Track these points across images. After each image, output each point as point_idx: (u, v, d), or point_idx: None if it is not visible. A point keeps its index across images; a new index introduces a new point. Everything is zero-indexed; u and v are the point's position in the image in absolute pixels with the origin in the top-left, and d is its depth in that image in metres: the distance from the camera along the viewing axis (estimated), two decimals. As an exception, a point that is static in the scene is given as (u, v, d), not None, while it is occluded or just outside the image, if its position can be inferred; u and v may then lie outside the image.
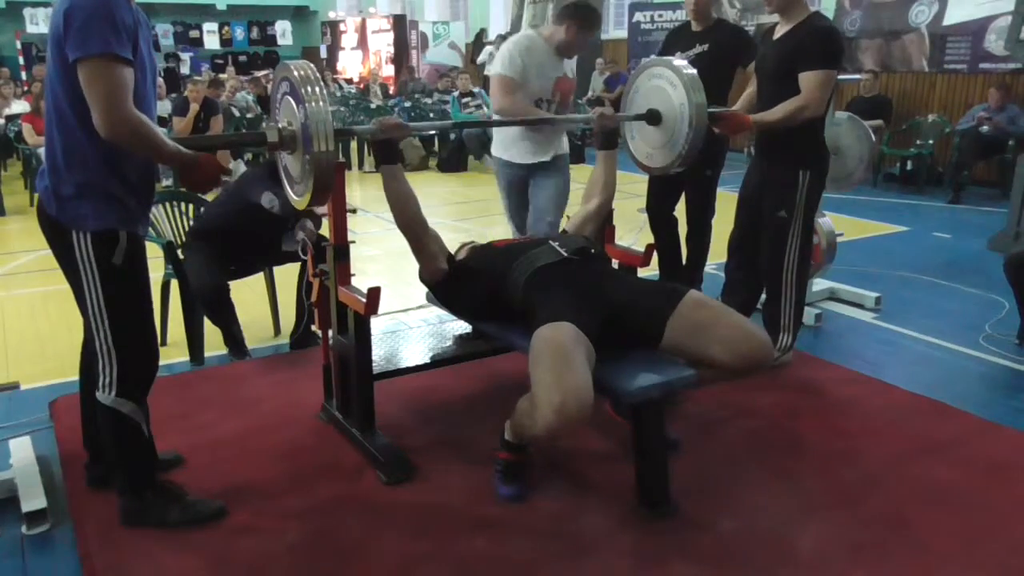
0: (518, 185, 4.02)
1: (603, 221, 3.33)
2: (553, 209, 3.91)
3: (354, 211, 3.71)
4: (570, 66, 3.99)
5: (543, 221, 3.88)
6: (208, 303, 3.70)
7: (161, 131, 2.23)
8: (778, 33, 3.46)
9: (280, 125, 2.55)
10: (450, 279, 2.94)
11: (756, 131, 3.49)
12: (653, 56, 3.58)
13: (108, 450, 2.53)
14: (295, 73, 2.44)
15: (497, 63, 3.87)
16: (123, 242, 2.28)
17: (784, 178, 3.48)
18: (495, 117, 3.94)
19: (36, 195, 2.35)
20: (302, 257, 3.16)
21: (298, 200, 2.66)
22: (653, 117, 3.24)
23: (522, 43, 3.84)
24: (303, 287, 3.80)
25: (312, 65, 2.52)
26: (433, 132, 10.84)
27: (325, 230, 3.06)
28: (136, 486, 2.51)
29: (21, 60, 16.90)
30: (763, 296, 3.81)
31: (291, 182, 2.70)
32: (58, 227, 2.27)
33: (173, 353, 3.92)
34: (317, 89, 2.40)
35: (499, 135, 4.04)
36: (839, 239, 4.58)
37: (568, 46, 3.84)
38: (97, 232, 2.25)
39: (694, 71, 3.18)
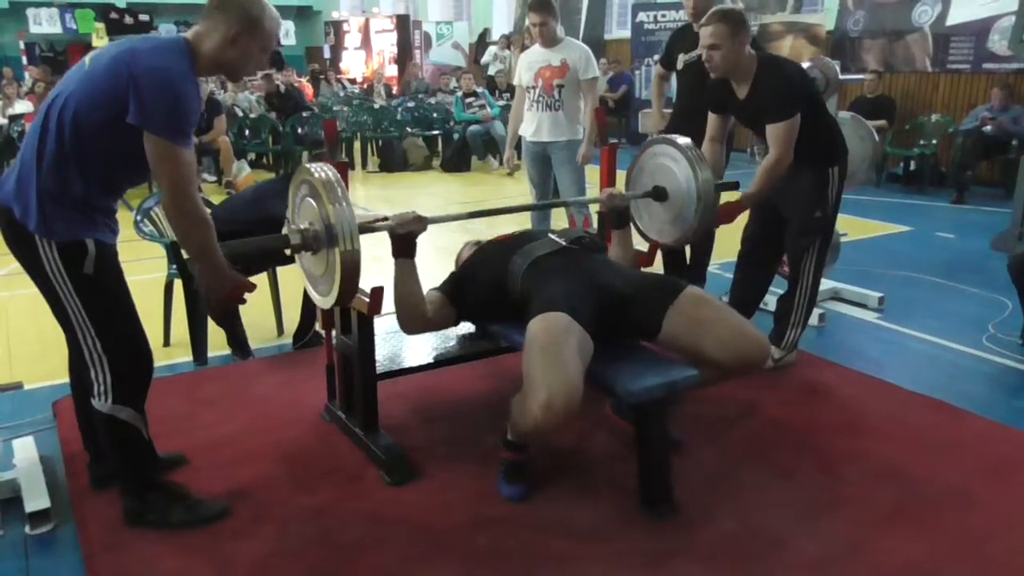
0: (533, 158, 4.99)
1: (601, 216, 3.41)
2: (571, 186, 4.84)
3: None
4: (563, 55, 4.72)
5: (567, 195, 4.84)
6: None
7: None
8: (741, 93, 3.43)
9: (302, 227, 2.55)
10: (461, 311, 2.95)
11: (748, 206, 3.49)
12: (653, 136, 3.62)
13: (108, 455, 2.53)
14: (317, 176, 2.45)
15: None
16: (92, 251, 2.26)
17: (817, 181, 3.49)
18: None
19: None
20: None
21: (322, 300, 2.65)
22: (660, 194, 3.26)
23: (526, 51, 5.02)
24: None
25: (332, 168, 2.51)
26: (436, 131, 10.84)
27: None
28: (138, 488, 2.51)
29: (24, 60, 16.93)
30: (766, 297, 3.81)
31: (313, 282, 2.69)
32: (24, 234, 2.24)
33: (176, 353, 3.92)
34: (339, 191, 2.42)
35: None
36: (843, 239, 4.58)
37: (537, 35, 4.76)
38: (64, 243, 2.23)
39: (689, 140, 3.22)
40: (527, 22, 5.36)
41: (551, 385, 2.28)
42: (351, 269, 2.42)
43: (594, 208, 3.97)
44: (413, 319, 2.83)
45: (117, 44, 2.27)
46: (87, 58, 2.27)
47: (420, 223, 2.74)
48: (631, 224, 3.21)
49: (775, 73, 3.34)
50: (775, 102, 3.29)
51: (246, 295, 2.46)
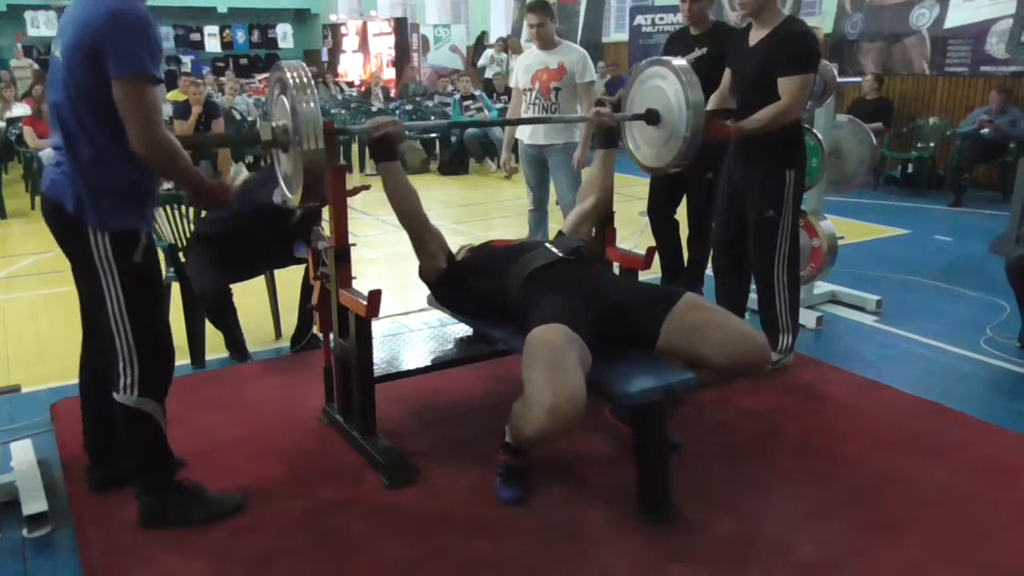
0: (529, 161, 5.00)
1: (599, 220, 3.32)
2: (567, 190, 4.79)
3: None
4: (560, 58, 4.73)
5: (564, 199, 4.84)
6: (211, 307, 3.70)
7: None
8: (754, 39, 3.45)
9: (274, 124, 2.60)
10: (448, 280, 2.96)
11: (738, 139, 3.48)
12: (649, 58, 3.60)
13: (128, 452, 2.54)
14: (287, 75, 2.50)
15: None
16: (143, 240, 2.33)
17: (771, 178, 3.49)
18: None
19: (41, 197, 2.37)
20: (303, 257, 3.16)
21: (292, 198, 2.72)
22: (652, 116, 3.23)
23: (524, 54, 5.07)
24: (308, 295, 3.80)
25: (304, 66, 2.57)
26: (434, 135, 10.84)
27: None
28: (156, 487, 2.52)
29: (23, 63, 16.91)
30: (755, 298, 3.82)
31: (287, 181, 2.76)
32: (77, 226, 2.28)
33: (174, 356, 3.92)
34: (308, 90, 2.47)
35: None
36: (840, 242, 4.58)
37: (535, 36, 4.79)
38: (118, 232, 2.28)
39: (684, 62, 3.20)
40: (526, 23, 5.37)
41: (556, 390, 2.28)
42: (313, 167, 2.50)
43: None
44: (408, 210, 2.88)
45: (66, 16, 2.28)
46: (54, 50, 2.29)
47: (396, 125, 2.79)
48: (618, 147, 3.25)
49: (800, 29, 3.39)
50: (797, 51, 3.32)
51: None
